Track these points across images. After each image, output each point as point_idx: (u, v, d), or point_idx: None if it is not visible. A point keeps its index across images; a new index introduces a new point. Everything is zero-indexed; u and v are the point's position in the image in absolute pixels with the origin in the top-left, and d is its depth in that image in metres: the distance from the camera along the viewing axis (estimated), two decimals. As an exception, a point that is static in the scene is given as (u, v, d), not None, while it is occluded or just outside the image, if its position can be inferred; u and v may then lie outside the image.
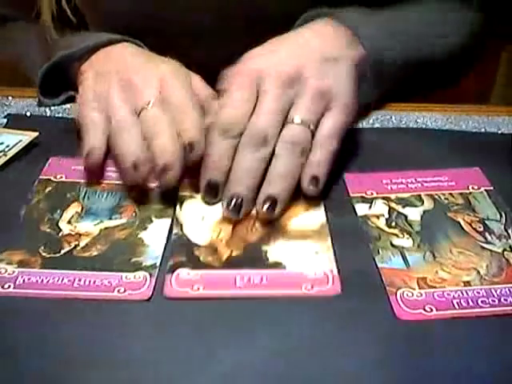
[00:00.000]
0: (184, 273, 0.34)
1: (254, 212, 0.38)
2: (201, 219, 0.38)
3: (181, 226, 0.37)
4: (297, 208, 0.39)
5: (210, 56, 0.48)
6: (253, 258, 0.35)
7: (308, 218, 0.38)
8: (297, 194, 0.39)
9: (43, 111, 0.51)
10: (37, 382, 0.27)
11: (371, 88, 0.46)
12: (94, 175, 0.42)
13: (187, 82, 0.43)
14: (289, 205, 0.39)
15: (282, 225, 0.38)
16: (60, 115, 0.50)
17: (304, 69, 0.41)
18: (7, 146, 0.44)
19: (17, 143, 0.45)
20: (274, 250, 0.36)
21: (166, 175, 0.38)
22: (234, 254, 0.35)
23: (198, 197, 0.40)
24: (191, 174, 0.40)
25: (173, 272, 0.34)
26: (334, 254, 0.35)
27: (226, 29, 0.50)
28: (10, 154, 0.44)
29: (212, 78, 0.43)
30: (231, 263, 0.35)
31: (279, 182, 0.38)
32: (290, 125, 0.39)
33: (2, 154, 0.43)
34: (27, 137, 0.45)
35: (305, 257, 0.35)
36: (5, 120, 0.49)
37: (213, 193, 0.39)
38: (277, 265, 0.34)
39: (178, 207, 0.39)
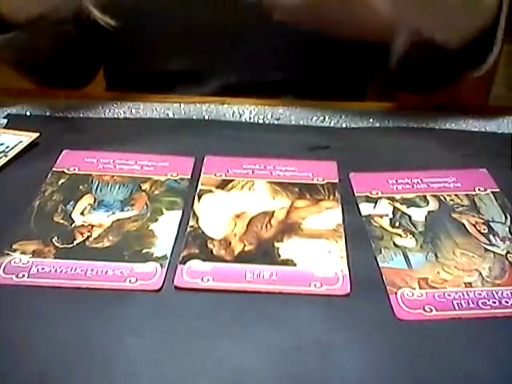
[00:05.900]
0: (196, 264, 0.34)
1: (269, 209, 0.39)
2: (217, 213, 0.39)
3: (197, 219, 0.38)
4: (313, 207, 0.39)
5: None
6: (265, 253, 0.35)
7: (324, 218, 0.39)
8: (314, 194, 0.40)
9: (43, 111, 0.51)
10: (50, 369, 0.28)
11: None
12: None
13: None
14: (305, 204, 0.39)
15: (297, 223, 0.38)
16: (60, 115, 0.51)
17: None
18: (7, 147, 0.45)
19: (17, 144, 0.45)
20: (287, 248, 0.36)
21: None
22: (246, 248, 0.36)
23: (216, 191, 0.41)
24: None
25: (185, 263, 0.34)
26: (347, 255, 0.35)
27: None
28: (11, 154, 0.44)
29: None
30: (243, 257, 0.35)
31: None
32: None
33: (3, 155, 0.44)
34: (28, 138, 0.46)
35: (317, 255, 0.35)
36: (5, 120, 0.49)
37: None
38: (288, 262, 0.35)
39: (196, 200, 0.40)
